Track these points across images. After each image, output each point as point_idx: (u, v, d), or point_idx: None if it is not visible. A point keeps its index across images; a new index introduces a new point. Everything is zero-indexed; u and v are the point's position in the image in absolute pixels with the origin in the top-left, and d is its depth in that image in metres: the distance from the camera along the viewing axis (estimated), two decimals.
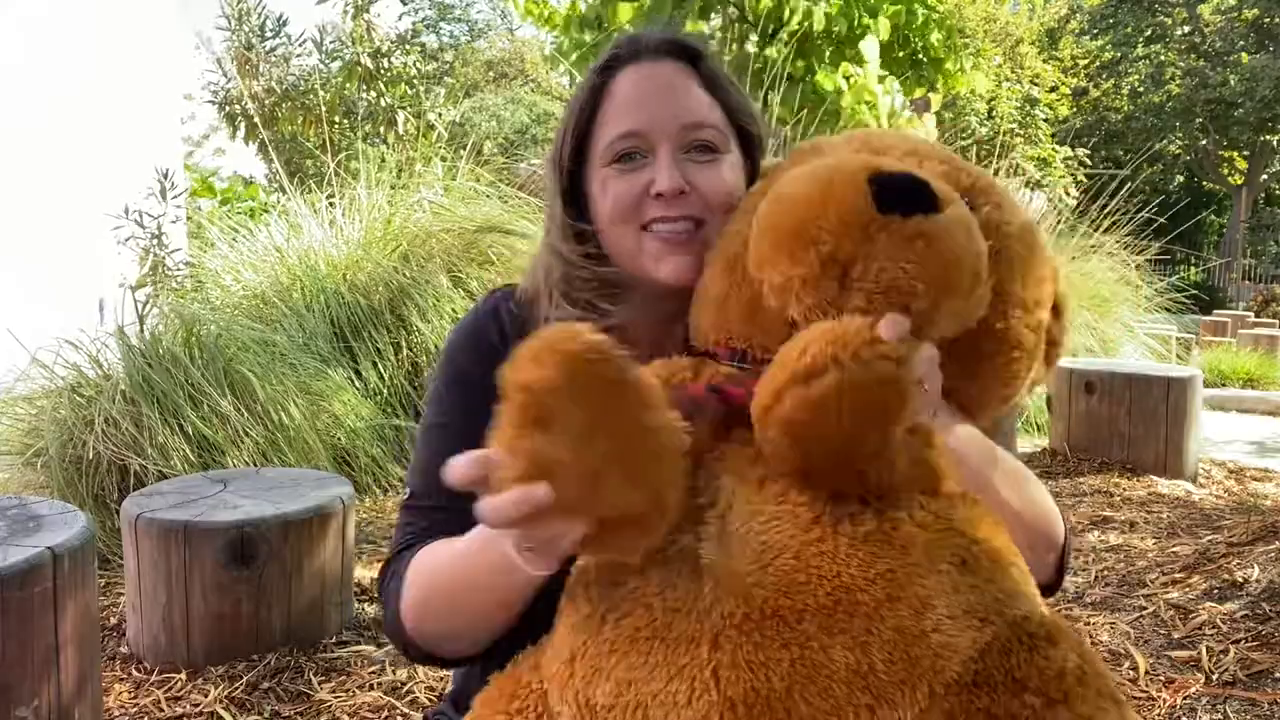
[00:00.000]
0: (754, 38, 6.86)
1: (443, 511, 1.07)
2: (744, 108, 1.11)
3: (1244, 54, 20.91)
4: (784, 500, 0.80)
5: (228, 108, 7.81)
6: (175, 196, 4.79)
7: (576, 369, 0.66)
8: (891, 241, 0.79)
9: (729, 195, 1.05)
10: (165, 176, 4.74)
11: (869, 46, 6.62)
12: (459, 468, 0.69)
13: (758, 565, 0.77)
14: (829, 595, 0.75)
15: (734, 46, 6.93)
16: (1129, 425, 4.54)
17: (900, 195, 0.80)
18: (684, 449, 0.74)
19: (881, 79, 6.80)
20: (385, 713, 2.28)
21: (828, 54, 7.15)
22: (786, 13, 6.68)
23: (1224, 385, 7.55)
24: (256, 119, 7.33)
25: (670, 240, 1.04)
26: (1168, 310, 7.59)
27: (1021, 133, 10.78)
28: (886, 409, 0.75)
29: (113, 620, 2.76)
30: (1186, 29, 21.79)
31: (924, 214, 0.80)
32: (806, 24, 6.73)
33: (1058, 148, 10.42)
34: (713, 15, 7.08)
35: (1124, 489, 4.22)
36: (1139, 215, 7.39)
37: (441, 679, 2.37)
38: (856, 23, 7.02)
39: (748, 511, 0.80)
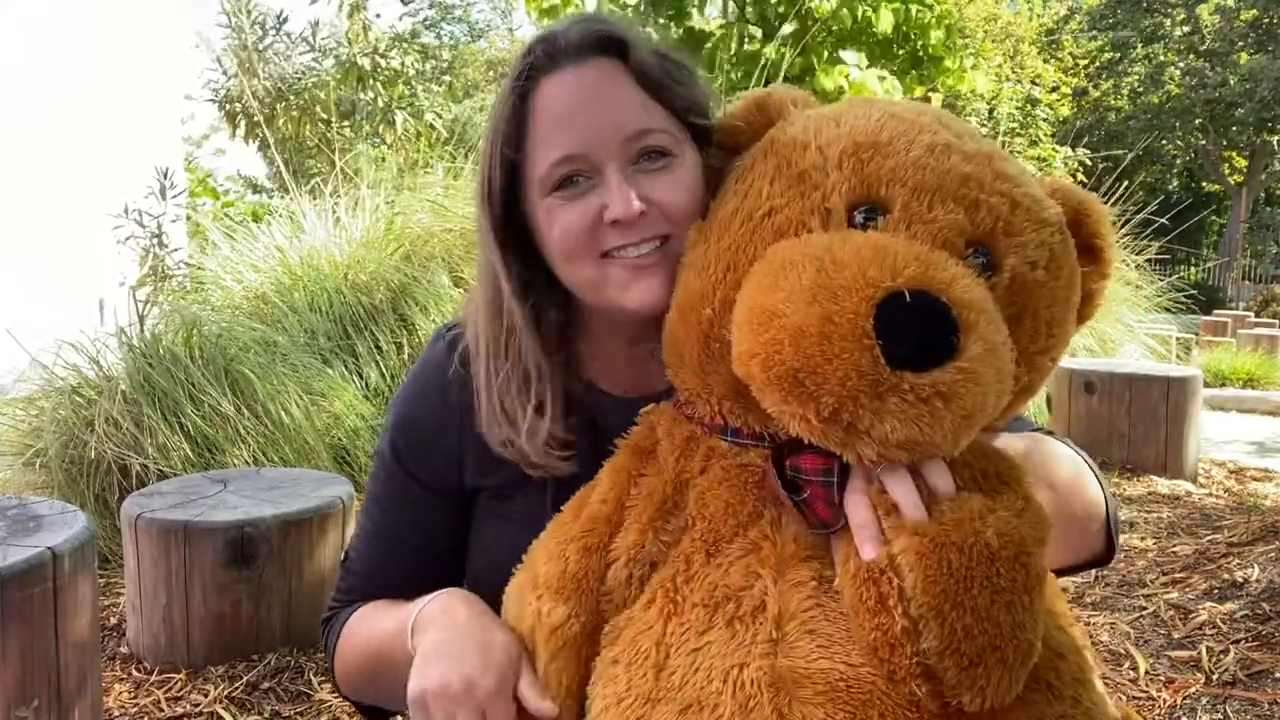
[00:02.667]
0: (752, 31, 6.87)
1: (372, 582, 1.10)
2: (687, 102, 0.96)
3: (1243, 54, 20.92)
4: (847, 620, 0.73)
5: (227, 106, 7.81)
6: (175, 196, 4.79)
7: None
8: (904, 403, 0.68)
9: (691, 200, 0.93)
10: (165, 176, 4.74)
11: (851, 56, 6.62)
12: None
13: (827, 696, 0.71)
14: None
15: (735, 45, 6.94)
16: (1129, 425, 4.54)
17: (914, 341, 0.68)
18: None
19: (882, 79, 6.80)
20: None
21: (827, 53, 7.17)
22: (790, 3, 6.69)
23: (1224, 385, 7.55)
24: (257, 117, 7.32)
25: (637, 265, 0.93)
26: (1168, 310, 7.58)
27: (1022, 133, 10.79)
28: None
29: (113, 620, 2.75)
30: (1186, 29, 21.80)
31: (941, 363, 0.68)
32: (809, 11, 6.73)
33: (1058, 148, 10.43)
34: (709, 7, 7.08)
35: (1124, 489, 4.21)
36: (1139, 215, 7.38)
37: None
38: (860, 16, 7.03)
39: (801, 624, 0.75)
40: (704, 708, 0.73)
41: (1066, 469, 0.97)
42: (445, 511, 1.08)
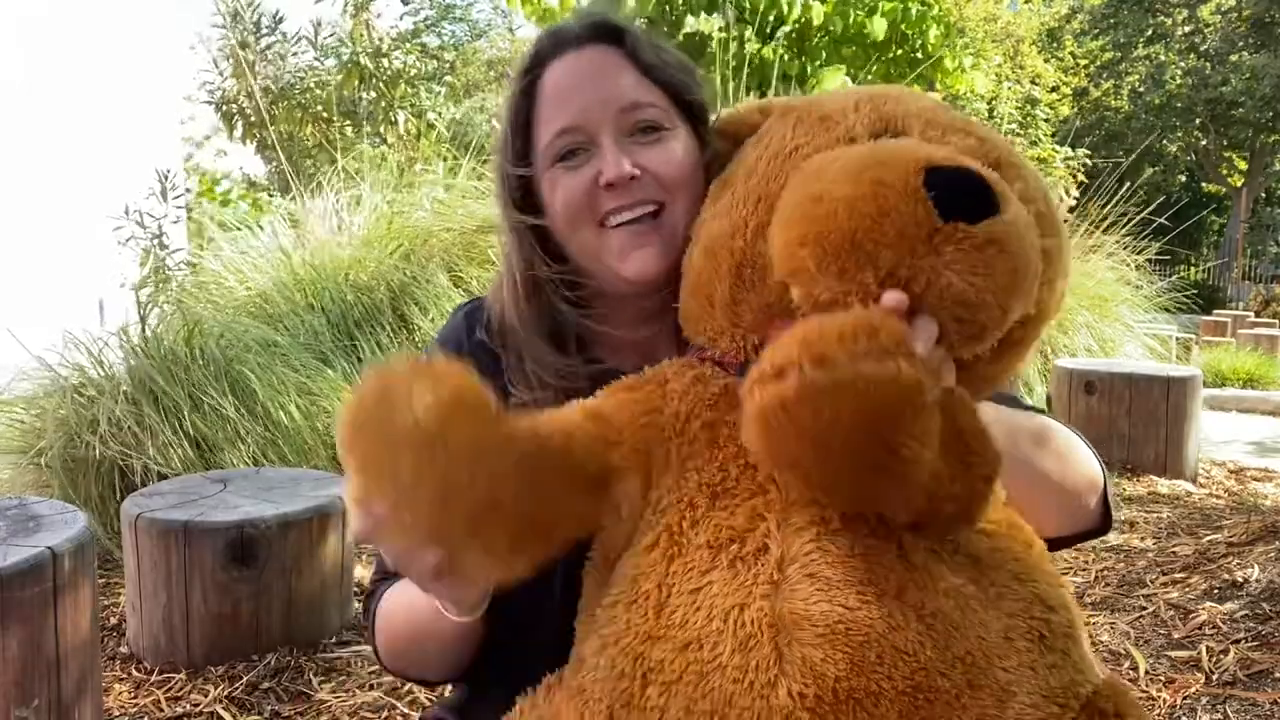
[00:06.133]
0: (750, 34, 6.87)
1: None
2: (682, 85, 1.03)
3: (1244, 54, 20.91)
4: (849, 559, 0.74)
5: (224, 107, 7.80)
6: (176, 197, 4.79)
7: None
8: (960, 253, 0.70)
9: (684, 172, 0.99)
10: (166, 177, 4.73)
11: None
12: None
13: (825, 639, 0.72)
14: (907, 679, 0.70)
15: (734, 45, 6.94)
16: (1129, 425, 4.54)
17: (963, 197, 0.72)
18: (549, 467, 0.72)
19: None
20: (385, 713, 2.28)
21: (824, 54, 7.17)
22: (785, 7, 6.69)
23: (1224, 385, 7.55)
24: (254, 118, 7.32)
25: (633, 233, 0.99)
26: (1168, 310, 7.58)
27: (1022, 133, 10.79)
28: (877, 419, 0.67)
29: (113, 620, 2.76)
30: (1187, 29, 21.79)
31: (989, 217, 0.71)
32: (804, 19, 6.73)
33: (1058, 148, 10.42)
34: (715, 13, 7.08)
35: (1124, 489, 4.22)
36: (1139, 215, 7.38)
37: None
38: (853, 20, 7.03)
39: (803, 567, 0.75)
40: (704, 645, 0.73)
41: (1063, 442, 0.99)
42: None
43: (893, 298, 0.71)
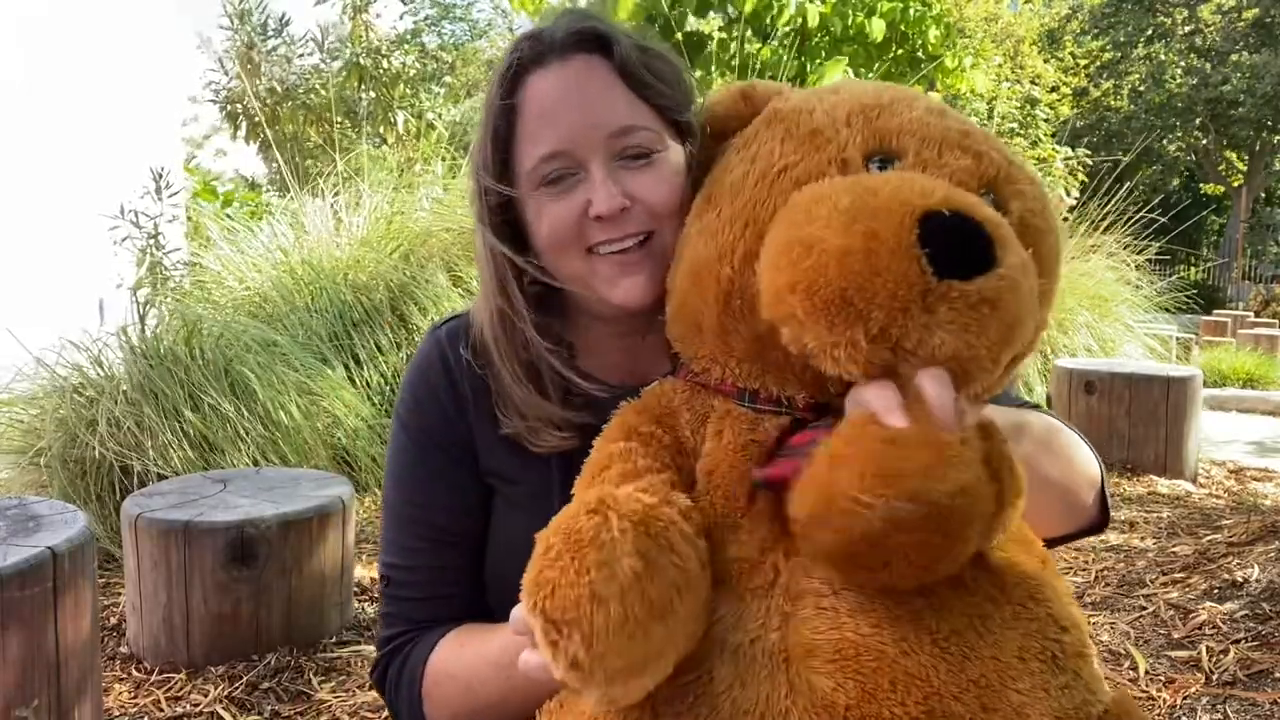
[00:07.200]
0: (749, 34, 6.87)
1: (427, 602, 1.06)
2: (670, 98, 0.98)
3: (1244, 53, 20.91)
4: (856, 594, 0.74)
5: (229, 107, 7.80)
6: (172, 196, 4.77)
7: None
8: (953, 312, 0.68)
9: (675, 198, 0.95)
10: (160, 176, 4.71)
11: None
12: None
13: (836, 666, 0.71)
14: (920, 705, 0.70)
15: (733, 45, 6.94)
16: (1128, 425, 4.54)
17: (958, 252, 0.69)
18: (696, 588, 0.71)
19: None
20: (385, 712, 2.28)
21: (823, 54, 7.17)
22: (777, 9, 6.69)
23: (1224, 385, 7.55)
24: (258, 118, 7.32)
25: (622, 262, 0.95)
26: (1168, 310, 7.59)
27: (1022, 133, 10.77)
28: (958, 529, 0.68)
29: (113, 620, 2.76)
30: (1187, 29, 21.79)
31: (984, 271, 0.69)
32: (800, 21, 6.73)
33: (1058, 148, 10.41)
34: (712, 13, 7.08)
35: (1124, 489, 4.22)
36: (1139, 215, 7.39)
37: None
38: (851, 21, 7.04)
39: (814, 598, 0.74)
40: (714, 678, 0.73)
41: (1065, 441, 0.99)
42: (475, 484, 1.06)
43: (889, 399, 0.70)
